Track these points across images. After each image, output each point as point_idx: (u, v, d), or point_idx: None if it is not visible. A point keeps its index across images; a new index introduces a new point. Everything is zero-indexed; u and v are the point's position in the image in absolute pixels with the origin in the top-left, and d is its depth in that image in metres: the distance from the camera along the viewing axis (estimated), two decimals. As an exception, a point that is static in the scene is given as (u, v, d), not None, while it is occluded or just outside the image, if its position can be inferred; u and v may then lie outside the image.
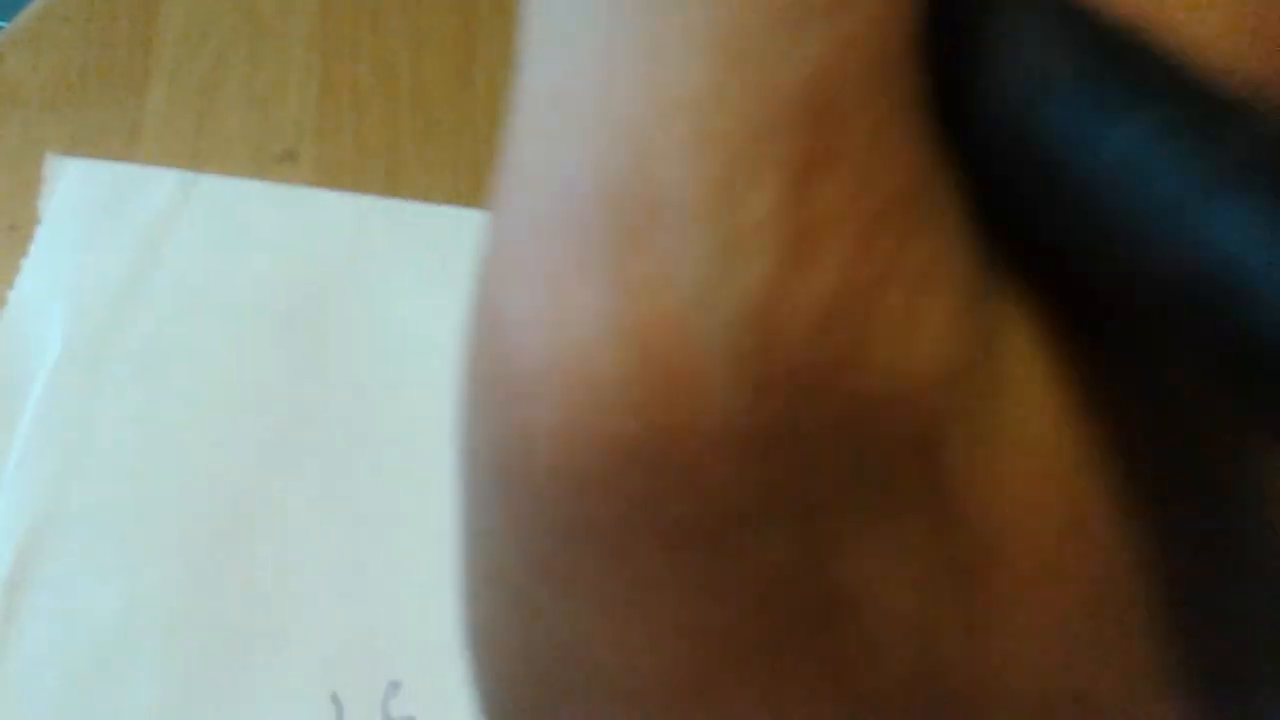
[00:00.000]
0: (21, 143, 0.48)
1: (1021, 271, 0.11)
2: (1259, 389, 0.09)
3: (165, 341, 0.44)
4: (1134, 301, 0.10)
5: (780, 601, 0.10)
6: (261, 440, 0.43)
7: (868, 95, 0.10)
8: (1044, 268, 0.11)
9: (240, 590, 0.42)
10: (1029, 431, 0.11)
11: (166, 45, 0.51)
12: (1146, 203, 0.09)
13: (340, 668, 0.42)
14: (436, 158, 0.50)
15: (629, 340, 0.09)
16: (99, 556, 0.41)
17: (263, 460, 0.43)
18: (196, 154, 0.49)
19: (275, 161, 0.49)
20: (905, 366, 0.10)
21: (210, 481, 0.43)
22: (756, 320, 0.09)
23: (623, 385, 0.10)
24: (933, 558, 0.10)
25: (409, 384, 0.45)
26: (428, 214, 0.48)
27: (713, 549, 0.10)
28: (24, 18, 0.51)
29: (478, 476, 0.11)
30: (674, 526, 0.10)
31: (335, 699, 0.41)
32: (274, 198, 0.48)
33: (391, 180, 0.49)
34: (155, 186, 0.47)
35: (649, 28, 0.10)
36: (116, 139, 0.49)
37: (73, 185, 0.47)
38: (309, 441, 0.44)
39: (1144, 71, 0.10)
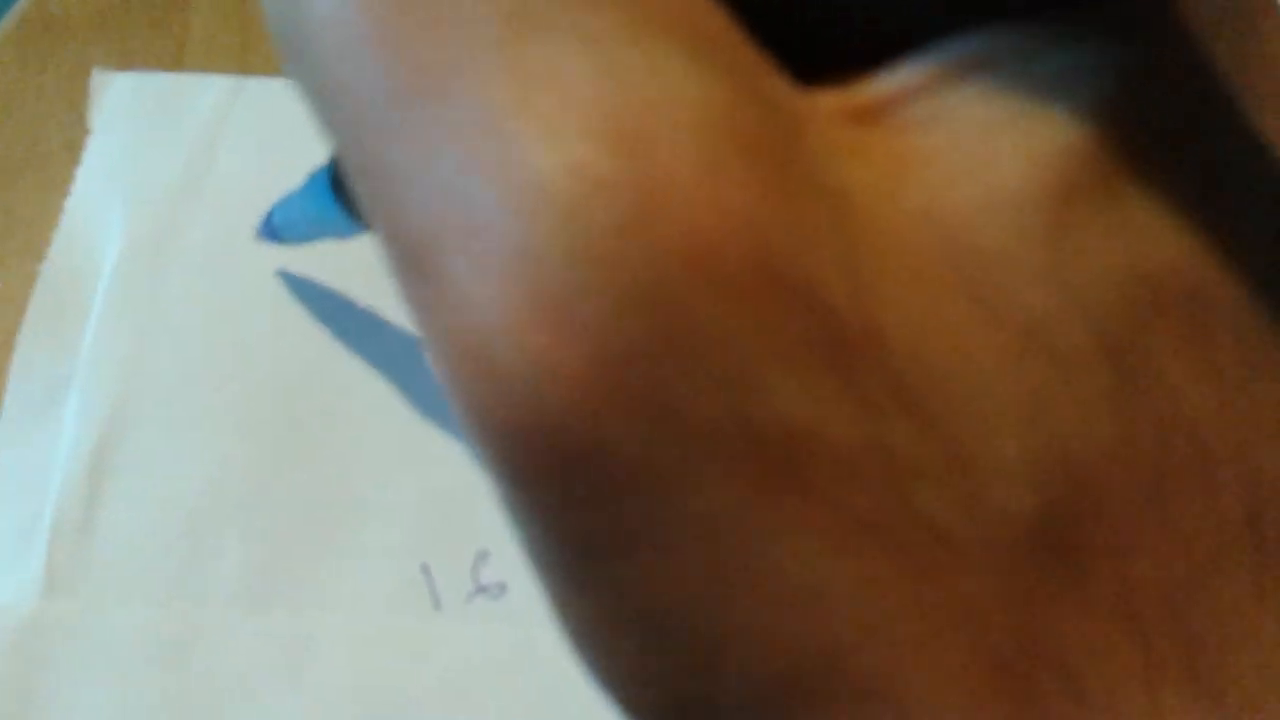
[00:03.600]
0: (75, 68, 0.48)
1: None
2: None
3: (224, 233, 0.44)
4: None
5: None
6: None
7: None
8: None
9: (320, 465, 0.41)
10: (903, 246, 0.11)
11: (206, -30, 0.51)
12: None
13: (427, 539, 0.40)
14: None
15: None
16: (177, 439, 0.41)
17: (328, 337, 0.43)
18: (244, 68, 0.49)
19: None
20: (708, 221, 0.10)
21: (278, 361, 0.42)
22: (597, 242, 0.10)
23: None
24: (863, 397, 0.10)
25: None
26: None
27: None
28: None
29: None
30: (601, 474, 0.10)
31: (425, 569, 0.40)
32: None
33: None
34: (203, 92, 0.47)
35: None
36: (164, 58, 0.49)
37: (121, 96, 0.47)
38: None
39: None
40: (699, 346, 0.10)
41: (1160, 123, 0.11)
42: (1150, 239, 0.11)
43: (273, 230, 0.40)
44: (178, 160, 0.45)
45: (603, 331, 0.10)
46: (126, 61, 0.49)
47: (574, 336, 0.10)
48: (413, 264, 0.11)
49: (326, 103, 0.11)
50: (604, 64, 0.10)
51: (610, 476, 0.10)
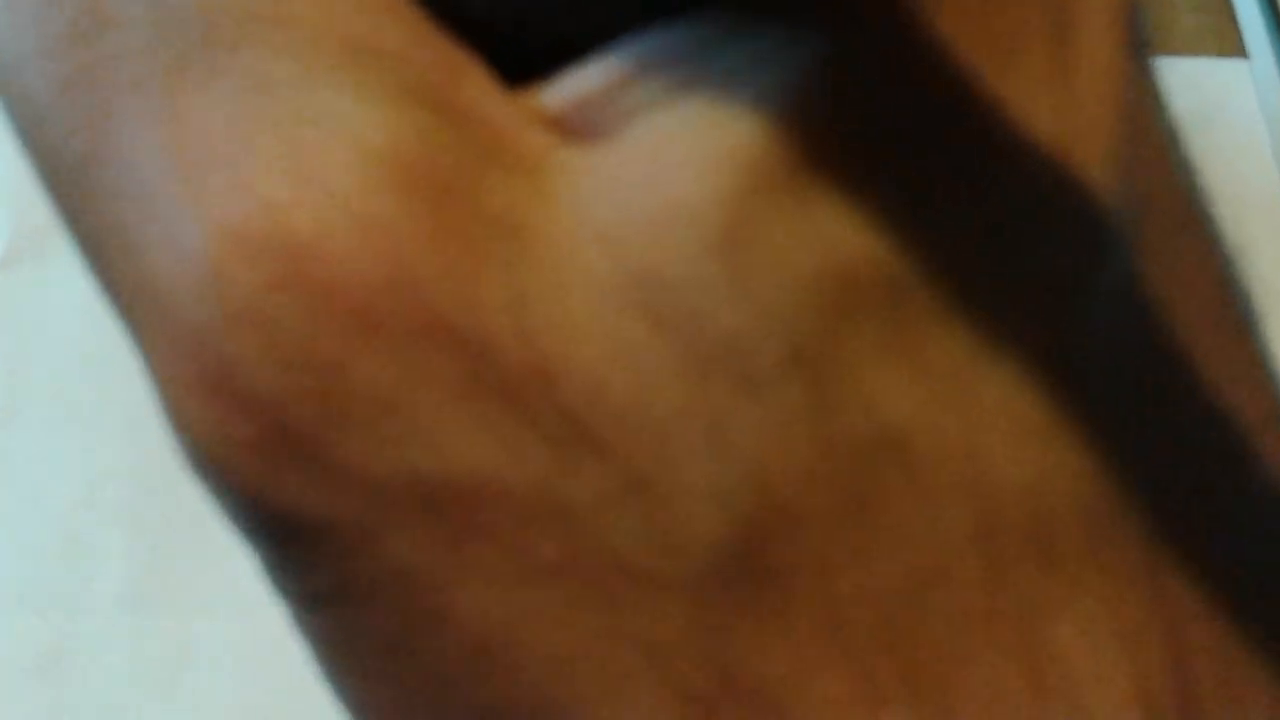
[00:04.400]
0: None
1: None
2: None
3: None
4: None
5: None
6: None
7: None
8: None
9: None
10: (580, 274, 0.10)
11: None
12: None
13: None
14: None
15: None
16: (56, 441, 0.40)
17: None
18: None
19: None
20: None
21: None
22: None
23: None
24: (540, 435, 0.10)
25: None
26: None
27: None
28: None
29: None
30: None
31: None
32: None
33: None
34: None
35: None
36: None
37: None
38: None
39: None
40: (360, 403, 0.10)
41: (856, 113, 0.11)
42: (840, 235, 0.10)
43: None
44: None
45: (266, 396, 0.10)
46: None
47: (241, 405, 0.10)
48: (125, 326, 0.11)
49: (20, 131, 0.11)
50: (262, 112, 0.10)
51: (303, 536, 0.10)
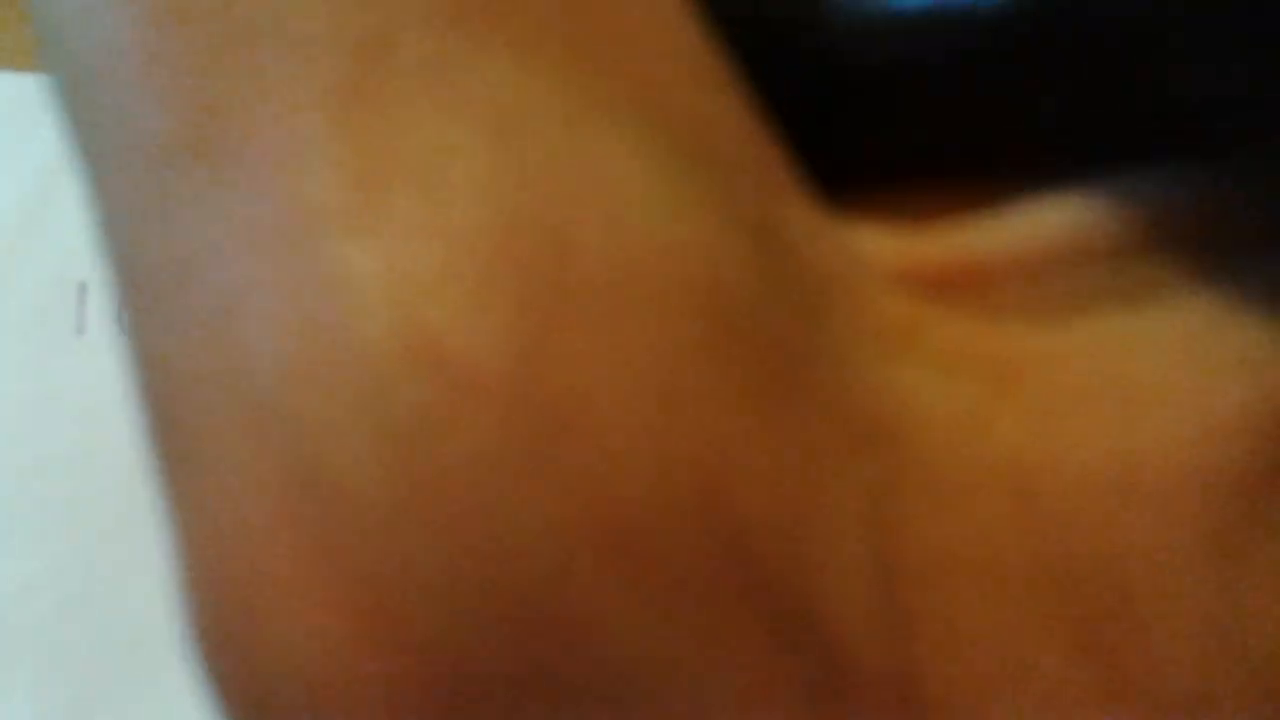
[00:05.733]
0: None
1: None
2: None
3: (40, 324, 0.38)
4: None
5: None
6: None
7: None
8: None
9: (136, 579, 0.35)
10: (986, 534, 0.08)
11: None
12: None
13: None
14: None
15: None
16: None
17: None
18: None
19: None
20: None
21: (92, 465, 0.36)
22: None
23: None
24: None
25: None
26: None
27: None
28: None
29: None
30: None
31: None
32: None
33: None
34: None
35: None
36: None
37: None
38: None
39: None
40: (610, 676, 0.07)
41: None
42: None
43: None
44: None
45: (457, 650, 0.07)
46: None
47: (419, 657, 0.07)
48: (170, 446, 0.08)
49: (90, 143, 0.08)
50: (495, 152, 0.07)
51: None
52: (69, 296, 0.36)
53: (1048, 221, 0.08)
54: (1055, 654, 0.07)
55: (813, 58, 0.09)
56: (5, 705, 0.33)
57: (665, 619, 0.07)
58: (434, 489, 0.07)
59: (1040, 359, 0.08)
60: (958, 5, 0.08)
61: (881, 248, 0.09)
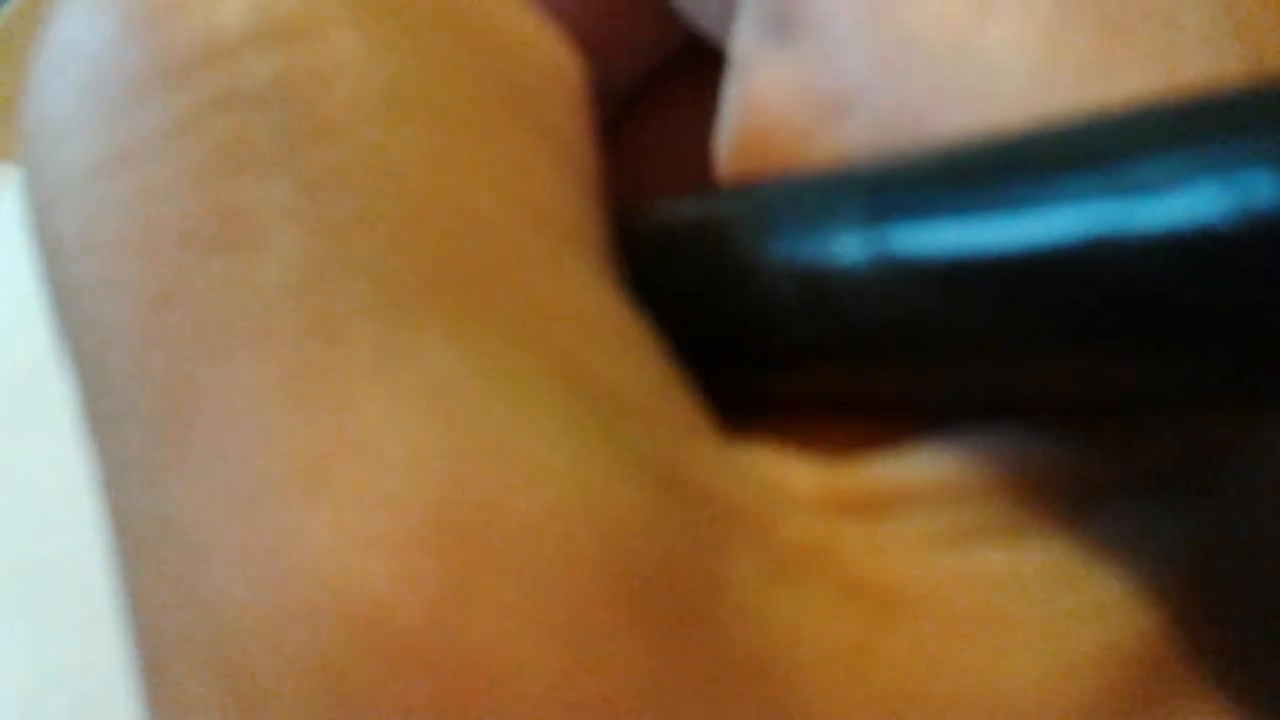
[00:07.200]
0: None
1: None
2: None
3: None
4: None
5: None
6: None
7: None
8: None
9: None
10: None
11: None
12: None
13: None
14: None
15: None
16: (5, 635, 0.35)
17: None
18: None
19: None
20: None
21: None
22: None
23: None
24: None
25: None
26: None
27: None
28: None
29: None
30: None
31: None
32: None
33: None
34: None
35: None
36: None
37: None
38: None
39: None
40: None
41: (1223, 618, 0.09)
42: None
43: None
44: None
45: None
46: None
47: None
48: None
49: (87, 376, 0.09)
50: (431, 428, 0.08)
51: None
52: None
53: (941, 458, 0.09)
54: None
55: (745, 328, 0.09)
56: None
57: None
58: None
59: (925, 589, 0.09)
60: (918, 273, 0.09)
61: (794, 474, 0.09)
